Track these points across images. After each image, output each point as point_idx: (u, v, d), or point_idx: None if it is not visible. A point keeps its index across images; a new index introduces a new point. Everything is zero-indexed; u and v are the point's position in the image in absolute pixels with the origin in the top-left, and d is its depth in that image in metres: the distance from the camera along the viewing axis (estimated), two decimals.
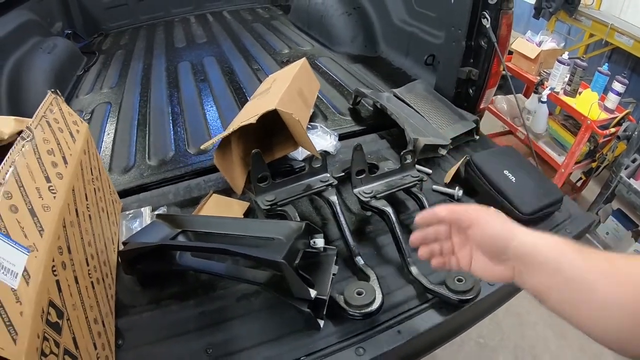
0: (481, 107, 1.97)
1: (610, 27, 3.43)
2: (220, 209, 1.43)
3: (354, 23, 2.85)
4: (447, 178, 1.59)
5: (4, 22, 2.43)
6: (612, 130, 2.89)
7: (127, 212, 1.42)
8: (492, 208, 0.80)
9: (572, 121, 3.33)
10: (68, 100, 2.40)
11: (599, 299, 0.60)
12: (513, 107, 3.60)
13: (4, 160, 0.80)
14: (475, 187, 1.53)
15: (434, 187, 1.56)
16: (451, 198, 1.52)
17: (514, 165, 1.52)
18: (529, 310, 2.59)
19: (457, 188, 1.52)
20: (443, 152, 1.70)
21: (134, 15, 3.83)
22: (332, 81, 2.39)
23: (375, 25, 2.78)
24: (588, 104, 2.95)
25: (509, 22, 1.75)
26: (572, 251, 0.65)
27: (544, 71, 3.41)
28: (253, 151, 1.23)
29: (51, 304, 0.76)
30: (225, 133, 1.37)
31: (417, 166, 1.49)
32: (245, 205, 1.44)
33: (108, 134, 2.00)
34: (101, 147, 1.88)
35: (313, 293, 1.00)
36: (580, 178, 3.41)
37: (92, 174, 1.19)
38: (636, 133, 2.66)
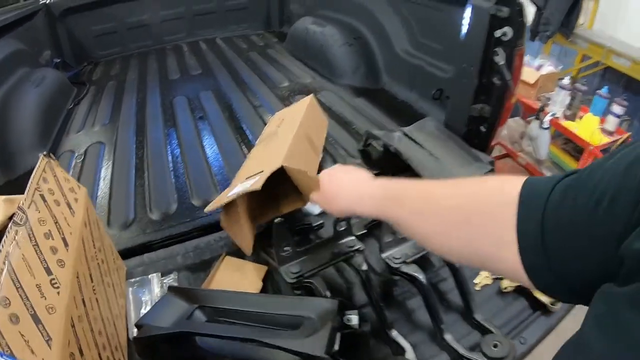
0: (492, 144, 1.88)
1: (607, 49, 3.39)
2: (236, 273, 1.32)
3: (355, 54, 2.74)
4: None
5: None
6: None
7: (133, 280, 1.29)
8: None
9: (572, 144, 3.30)
10: (58, 139, 2.30)
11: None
12: (512, 132, 3.55)
13: None
14: None
15: None
16: None
17: None
18: None
19: None
20: None
21: (124, 43, 3.74)
22: (338, 119, 2.28)
23: (378, 56, 2.67)
24: (589, 129, 2.93)
25: (522, 57, 1.68)
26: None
27: (542, 95, 3.36)
28: (276, 221, 1.12)
29: None
30: (231, 197, 1.24)
31: None
32: (263, 269, 1.33)
33: (104, 180, 1.88)
34: (97, 197, 1.77)
35: None
36: None
37: (94, 247, 1.06)
38: None
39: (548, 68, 3.40)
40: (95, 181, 1.87)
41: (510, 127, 3.53)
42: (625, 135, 2.90)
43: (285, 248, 1.16)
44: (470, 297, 1.20)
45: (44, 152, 0.98)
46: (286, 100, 2.52)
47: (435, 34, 2.20)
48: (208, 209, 1.32)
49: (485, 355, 1.03)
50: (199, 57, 3.46)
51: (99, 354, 0.88)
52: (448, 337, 1.11)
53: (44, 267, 0.76)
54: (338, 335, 0.94)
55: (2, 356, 0.57)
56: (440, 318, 1.13)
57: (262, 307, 1.05)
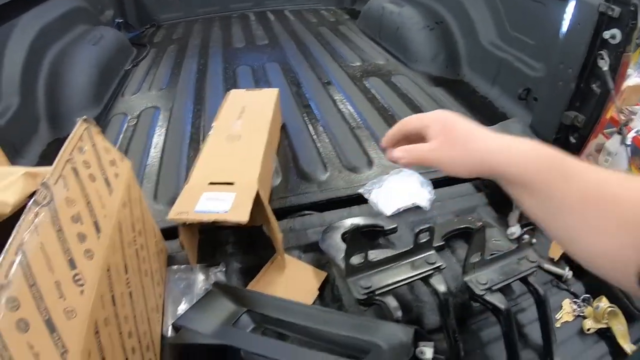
0: (580, 158, 1.66)
1: None
2: (290, 274, 1.17)
3: (435, 39, 2.51)
4: (554, 253, 1.26)
5: (51, 7, 2.20)
6: None
7: (176, 268, 1.14)
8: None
9: None
10: (112, 100, 2.19)
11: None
12: (588, 144, 3.29)
13: (7, 244, 0.51)
14: (584, 268, 1.23)
15: (545, 265, 1.26)
16: (558, 279, 1.23)
17: None
18: None
19: (567, 269, 1.23)
20: None
21: (188, 8, 3.63)
22: (414, 107, 2.08)
23: (459, 45, 2.44)
24: None
25: (627, 66, 1.47)
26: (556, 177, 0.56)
27: (626, 108, 3.09)
28: (353, 227, 0.94)
29: None
30: (206, 218, 1.05)
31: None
32: (322, 275, 1.17)
33: (155, 148, 1.75)
34: (146, 165, 1.63)
35: None
36: None
37: (133, 230, 0.90)
38: None
39: (635, 79, 3.12)
40: (146, 148, 1.74)
41: None
42: None
43: (357, 258, 0.98)
44: (553, 337, 1.02)
45: (83, 117, 0.82)
46: (358, 80, 2.34)
47: (528, 27, 1.97)
48: (172, 217, 1.06)
49: None
50: (266, 28, 3.30)
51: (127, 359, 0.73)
52: None
53: (67, 260, 0.60)
54: None
55: None
56: (518, 357, 0.97)
57: (323, 323, 0.89)
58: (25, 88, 1.82)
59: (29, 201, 0.58)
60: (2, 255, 0.49)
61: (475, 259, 1.03)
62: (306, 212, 1.42)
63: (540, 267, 1.23)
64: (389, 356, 0.78)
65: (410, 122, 0.73)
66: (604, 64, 1.42)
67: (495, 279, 1.02)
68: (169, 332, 1.00)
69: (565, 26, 1.58)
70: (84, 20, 2.54)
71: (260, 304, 0.94)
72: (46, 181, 0.62)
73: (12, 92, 1.76)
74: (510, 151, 0.60)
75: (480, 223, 1.02)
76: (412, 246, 1.02)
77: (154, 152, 1.72)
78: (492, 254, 1.07)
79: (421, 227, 1.00)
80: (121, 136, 1.84)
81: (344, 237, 1.17)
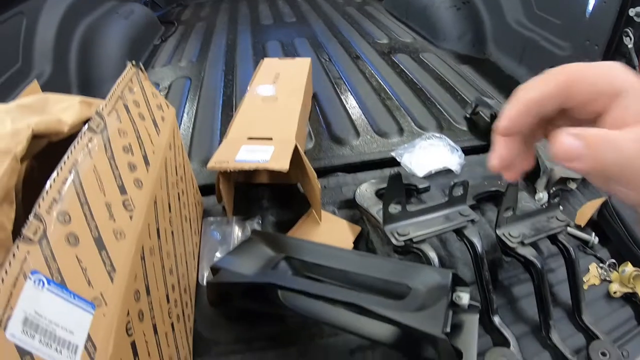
0: None
1: None
2: (326, 228, 1.18)
3: (462, 18, 2.51)
4: (581, 220, 1.28)
5: None
6: None
7: (212, 219, 1.17)
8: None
9: None
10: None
11: None
12: None
13: (61, 162, 0.53)
14: (609, 235, 1.25)
15: (570, 229, 1.27)
16: (584, 245, 1.24)
17: None
18: None
19: (593, 234, 1.24)
20: (573, 186, 1.38)
21: None
22: (442, 82, 2.09)
23: (486, 24, 2.43)
24: None
25: None
26: None
27: None
28: (392, 174, 0.95)
29: None
30: (247, 166, 1.05)
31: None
32: (357, 229, 1.18)
33: (188, 115, 1.77)
34: (180, 130, 1.64)
35: None
36: None
37: (177, 173, 0.93)
38: None
39: None
40: (179, 115, 1.77)
41: None
42: None
43: (395, 205, 1.00)
44: (581, 295, 1.03)
45: (132, 62, 0.85)
46: (386, 56, 2.34)
47: (554, 6, 1.97)
48: (212, 165, 1.07)
49: None
50: (292, 6, 3.31)
51: (167, 295, 0.75)
52: (555, 336, 0.96)
53: (118, 185, 0.62)
54: (450, 314, 0.78)
55: (49, 284, 0.44)
56: (550, 313, 0.97)
57: (360, 267, 0.89)
58: (57, 56, 1.84)
59: (83, 127, 0.61)
60: (56, 172, 0.51)
61: (507, 213, 1.04)
62: (339, 173, 1.43)
63: (568, 233, 1.25)
64: (427, 297, 0.78)
65: (574, 84, 0.36)
66: (629, 42, 1.45)
67: (527, 234, 1.04)
68: (205, 280, 1.03)
69: (591, 4, 1.59)
70: None
71: (300, 250, 0.96)
72: (100, 111, 0.65)
73: (45, 61, 1.79)
74: None
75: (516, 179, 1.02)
76: (446, 199, 1.04)
77: (187, 118, 1.75)
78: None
79: (455, 181, 1.02)
80: None
81: (378, 193, 1.19)
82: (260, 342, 0.93)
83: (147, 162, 0.73)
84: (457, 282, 0.85)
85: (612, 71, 0.35)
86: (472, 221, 1.03)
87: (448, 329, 0.73)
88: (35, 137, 0.57)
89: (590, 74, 0.35)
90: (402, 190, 0.98)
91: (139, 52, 2.37)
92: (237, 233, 1.13)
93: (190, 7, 3.46)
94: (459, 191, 1.04)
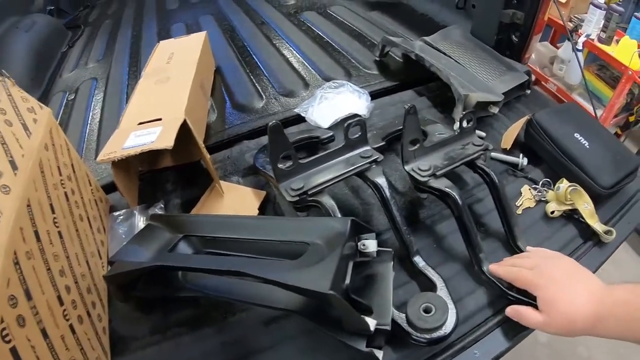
0: (526, 56, 1.65)
1: None
2: (230, 199, 1.15)
3: None
4: (506, 143, 1.27)
5: None
6: None
7: (117, 214, 1.12)
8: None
9: (608, 72, 3.06)
10: (51, 82, 2.13)
11: None
12: (541, 57, 3.29)
13: None
14: (540, 154, 1.25)
15: (493, 154, 1.25)
16: (514, 168, 1.23)
17: (585, 127, 1.21)
18: None
19: (521, 156, 1.23)
20: (495, 110, 1.36)
21: None
22: (351, 31, 2.06)
23: None
24: (627, 52, 2.65)
25: None
26: None
27: (575, 16, 3.09)
28: (271, 124, 0.90)
29: None
30: (134, 151, 1.00)
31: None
32: (261, 195, 1.15)
33: (93, 114, 1.71)
34: (86, 131, 1.60)
35: (372, 324, 0.71)
36: (616, 133, 3.07)
37: (60, 174, 0.89)
38: None
39: None
40: (85, 118, 1.70)
41: (540, 51, 3.27)
42: None
43: (285, 160, 0.96)
44: (513, 220, 1.00)
45: None
46: (292, 17, 2.29)
47: None
48: (101, 158, 1.01)
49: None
50: None
51: (60, 297, 0.72)
52: (487, 269, 0.93)
53: None
54: (350, 265, 0.75)
55: None
56: (478, 245, 0.94)
57: (260, 232, 0.86)
58: None
59: None
60: None
61: (413, 146, 1.01)
62: (245, 140, 1.39)
63: (493, 159, 1.23)
64: (326, 251, 0.74)
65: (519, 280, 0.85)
66: None
67: (439, 165, 1.01)
68: None
69: None
70: (12, 11, 2.47)
71: (198, 227, 0.92)
72: None
73: None
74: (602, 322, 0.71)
75: (412, 105, 0.97)
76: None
77: (93, 118, 1.69)
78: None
79: (349, 121, 0.98)
80: (61, 111, 1.80)
81: None
82: (174, 330, 0.90)
83: (14, 167, 0.72)
84: (361, 229, 0.82)
85: (536, 279, 0.80)
86: (375, 161, 0.99)
87: (347, 282, 0.70)
88: None
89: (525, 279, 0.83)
90: (286, 142, 0.93)
91: (45, 64, 2.27)
92: (141, 222, 1.09)
93: (97, 7, 3.31)
94: (356, 132, 1.00)
